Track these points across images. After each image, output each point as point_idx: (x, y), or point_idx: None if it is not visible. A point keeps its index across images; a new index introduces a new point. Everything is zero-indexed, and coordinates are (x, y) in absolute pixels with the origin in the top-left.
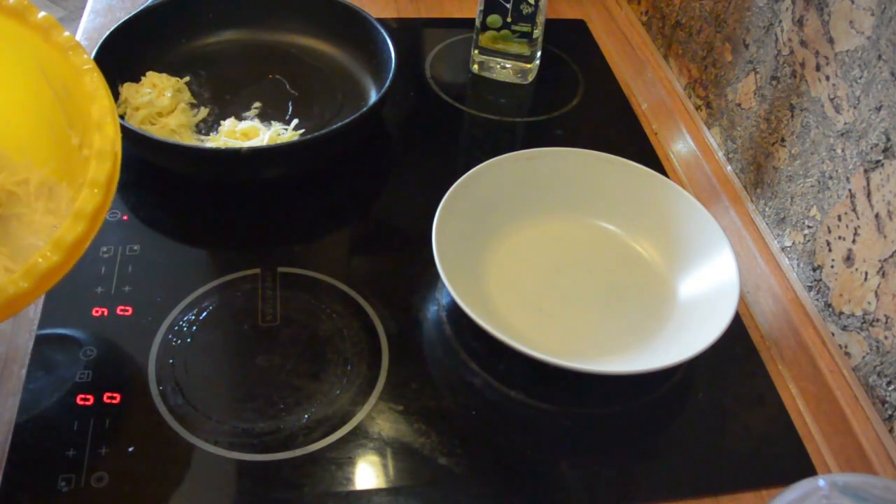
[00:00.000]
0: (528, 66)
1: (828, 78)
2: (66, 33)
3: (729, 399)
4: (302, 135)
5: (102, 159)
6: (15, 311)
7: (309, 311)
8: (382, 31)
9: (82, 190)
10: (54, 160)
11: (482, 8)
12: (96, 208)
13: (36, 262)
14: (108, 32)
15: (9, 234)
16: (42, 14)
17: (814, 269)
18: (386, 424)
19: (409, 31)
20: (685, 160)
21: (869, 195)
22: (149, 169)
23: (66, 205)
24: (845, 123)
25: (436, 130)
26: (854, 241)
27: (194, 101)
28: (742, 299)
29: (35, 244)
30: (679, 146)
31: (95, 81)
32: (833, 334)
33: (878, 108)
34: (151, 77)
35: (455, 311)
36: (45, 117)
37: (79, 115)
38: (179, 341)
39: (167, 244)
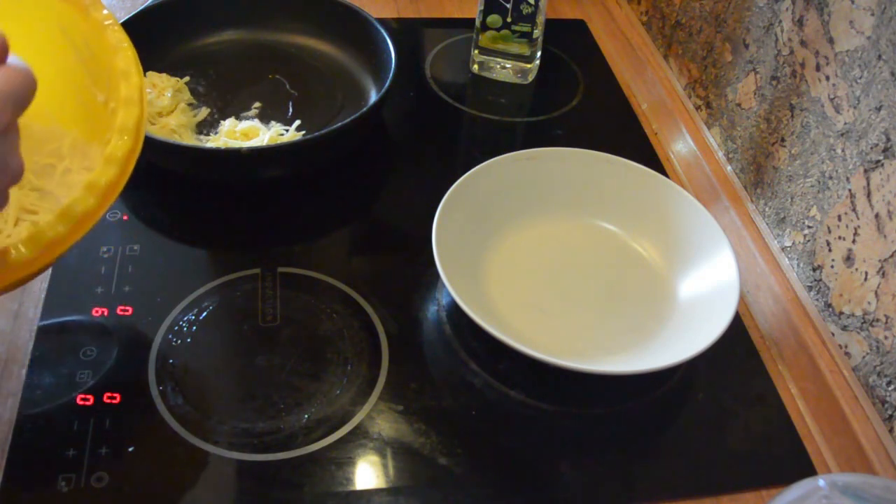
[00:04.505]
0: (528, 66)
1: (828, 78)
2: None
3: (729, 399)
4: (303, 135)
5: (130, 105)
6: (54, 254)
7: (309, 311)
8: (382, 31)
9: (112, 137)
10: (82, 121)
11: (482, 8)
12: (127, 152)
13: (71, 206)
14: None
15: (49, 192)
16: None
17: (814, 269)
18: (386, 424)
19: (409, 31)
20: (685, 160)
21: (869, 195)
22: (149, 169)
23: (98, 161)
24: (845, 123)
25: (436, 130)
26: (854, 241)
27: (194, 101)
28: (742, 299)
29: None
30: (679, 146)
31: (118, 34)
32: (833, 334)
33: (878, 108)
34: (151, 77)
35: (455, 311)
36: (69, 79)
37: (102, 71)
38: (179, 341)
39: (167, 244)
